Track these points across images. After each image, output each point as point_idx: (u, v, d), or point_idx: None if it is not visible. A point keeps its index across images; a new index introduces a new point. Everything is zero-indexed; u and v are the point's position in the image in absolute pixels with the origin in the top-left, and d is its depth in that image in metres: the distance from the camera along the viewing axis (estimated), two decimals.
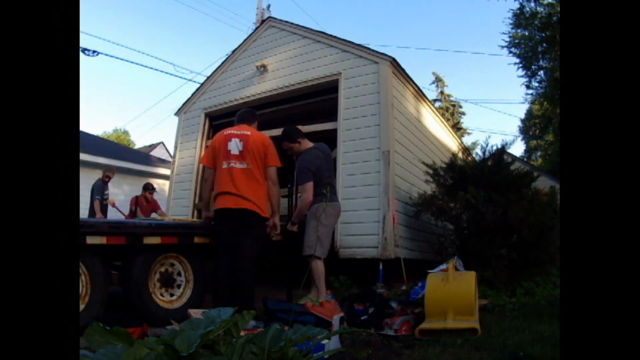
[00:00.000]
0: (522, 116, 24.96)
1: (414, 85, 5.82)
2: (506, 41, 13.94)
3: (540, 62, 13.65)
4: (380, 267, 4.44)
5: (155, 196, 7.67)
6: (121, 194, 10.86)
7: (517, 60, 13.92)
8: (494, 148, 5.03)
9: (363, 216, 4.69)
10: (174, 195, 6.78)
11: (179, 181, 6.76)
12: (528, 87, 14.85)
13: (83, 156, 9.84)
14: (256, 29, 7.05)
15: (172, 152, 8.05)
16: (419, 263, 5.04)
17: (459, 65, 60.42)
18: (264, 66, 6.13)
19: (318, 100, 5.85)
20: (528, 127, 24.05)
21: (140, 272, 3.18)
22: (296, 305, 3.01)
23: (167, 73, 67.00)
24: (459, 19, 58.01)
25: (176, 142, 7.06)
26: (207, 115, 6.76)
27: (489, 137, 49.86)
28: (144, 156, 14.40)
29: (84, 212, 6.72)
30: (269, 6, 12.39)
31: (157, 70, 52.35)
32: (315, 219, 3.60)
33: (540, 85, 14.72)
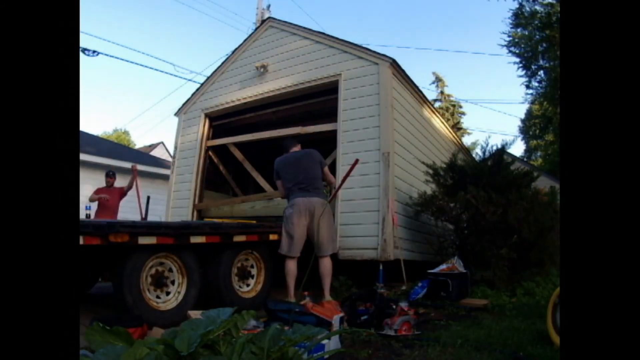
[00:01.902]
0: (522, 116, 24.97)
1: (414, 86, 5.82)
2: (506, 41, 13.96)
3: (540, 62, 13.65)
4: (380, 267, 4.44)
5: (155, 197, 7.55)
6: None
7: (517, 60, 13.92)
8: (494, 148, 5.04)
9: (362, 218, 4.69)
10: (174, 196, 6.78)
11: (179, 181, 6.76)
12: (528, 87, 14.85)
13: (83, 156, 9.84)
14: (256, 29, 7.04)
15: (172, 152, 8.04)
16: (419, 263, 5.04)
17: (459, 65, 60.54)
18: (264, 67, 6.13)
19: (318, 101, 5.85)
20: (528, 127, 24.04)
21: (226, 266, 3.71)
22: (296, 305, 3.00)
23: (167, 73, 67.22)
24: (459, 19, 58.06)
25: (176, 143, 7.06)
26: (206, 115, 6.76)
27: (489, 137, 49.99)
28: (144, 156, 14.40)
29: (84, 212, 6.71)
30: (269, 6, 12.42)
31: (157, 70, 52.40)
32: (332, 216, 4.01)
33: (540, 85, 14.72)
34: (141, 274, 3.10)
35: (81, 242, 2.69)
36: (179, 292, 3.31)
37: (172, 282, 3.33)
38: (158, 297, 3.22)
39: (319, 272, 3.92)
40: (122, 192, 6.76)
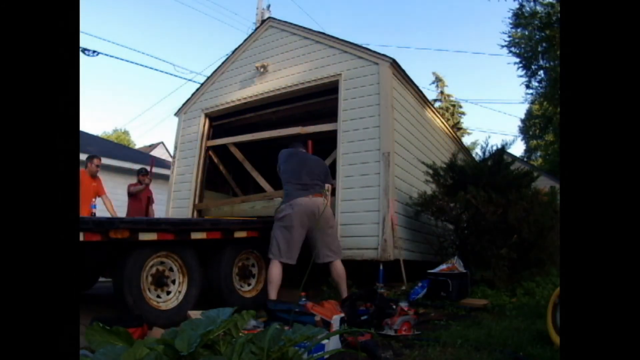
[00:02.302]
0: (522, 116, 24.99)
1: (414, 86, 5.82)
2: (506, 41, 13.96)
3: (540, 62, 13.65)
4: (381, 267, 4.44)
5: (156, 197, 7.50)
6: (121, 194, 10.84)
7: (517, 60, 13.92)
8: (494, 148, 5.05)
9: (362, 218, 4.68)
10: (174, 196, 6.78)
11: (180, 182, 6.76)
12: (528, 86, 14.84)
13: (83, 156, 9.82)
14: (256, 29, 7.05)
15: (172, 152, 8.04)
16: (419, 263, 5.03)
17: (459, 65, 60.59)
18: (264, 67, 6.13)
19: (318, 101, 5.85)
20: (528, 127, 24.06)
21: (227, 265, 3.70)
22: (296, 305, 3.00)
23: (167, 73, 67.25)
24: (459, 19, 58.08)
25: (176, 143, 7.06)
26: (206, 115, 6.76)
27: (489, 137, 50.05)
28: (144, 156, 14.40)
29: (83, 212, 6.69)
30: (269, 6, 12.43)
31: (157, 70, 52.41)
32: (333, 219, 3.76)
33: (540, 85, 14.71)
34: (142, 273, 3.08)
35: (81, 238, 2.66)
36: (179, 292, 3.30)
37: (173, 282, 3.31)
38: (159, 296, 3.21)
39: (332, 277, 3.73)
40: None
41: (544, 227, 4.36)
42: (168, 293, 3.28)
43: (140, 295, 3.02)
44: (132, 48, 68.38)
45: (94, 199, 5.84)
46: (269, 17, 7.08)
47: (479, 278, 4.28)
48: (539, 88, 14.95)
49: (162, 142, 25.98)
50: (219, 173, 7.05)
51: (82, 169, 6.27)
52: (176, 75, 30.71)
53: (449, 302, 3.80)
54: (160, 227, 3.18)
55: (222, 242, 3.66)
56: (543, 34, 12.57)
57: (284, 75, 5.95)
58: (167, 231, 3.19)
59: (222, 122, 6.84)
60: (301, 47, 5.91)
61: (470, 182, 4.51)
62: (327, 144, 5.48)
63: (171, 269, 3.33)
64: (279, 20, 6.46)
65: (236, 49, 6.74)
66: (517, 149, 43.59)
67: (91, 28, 45.21)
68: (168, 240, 3.20)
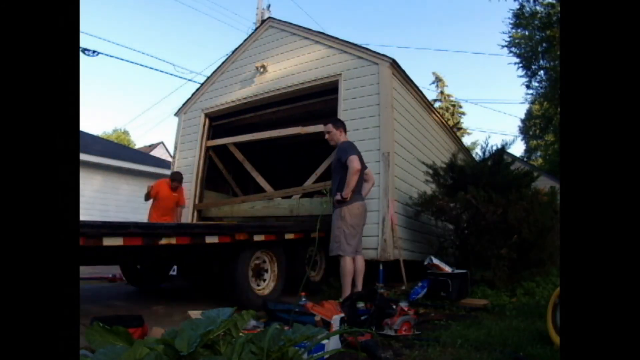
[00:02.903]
0: (522, 116, 24.99)
1: (414, 86, 5.81)
2: (506, 41, 13.99)
3: (540, 62, 13.67)
4: (380, 267, 4.43)
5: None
6: (123, 194, 10.86)
7: (517, 60, 13.94)
8: (494, 148, 5.05)
9: None
10: None
11: None
12: (528, 87, 14.87)
13: (83, 156, 9.84)
14: (256, 29, 7.05)
15: (172, 152, 8.04)
16: (419, 263, 5.03)
17: (459, 65, 60.63)
18: (263, 67, 6.13)
19: (318, 101, 5.85)
20: (528, 127, 24.04)
21: (302, 257, 4.66)
22: (296, 305, 3.00)
23: (167, 73, 67.39)
24: (459, 19, 58.10)
25: (176, 143, 7.06)
26: (206, 115, 6.76)
27: (489, 137, 50.00)
28: (144, 156, 14.40)
29: (84, 213, 6.67)
30: (269, 6, 12.45)
31: (157, 70, 52.44)
32: (341, 219, 3.96)
33: (540, 85, 14.74)
34: (248, 266, 3.80)
35: (216, 240, 3.43)
36: (272, 280, 4.07)
37: (267, 272, 4.08)
38: (258, 284, 3.97)
39: (358, 270, 4.06)
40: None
41: (544, 227, 4.36)
42: (260, 284, 4.02)
43: (247, 284, 3.75)
44: (132, 48, 68.40)
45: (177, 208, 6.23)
46: (269, 17, 7.08)
47: (479, 278, 4.28)
48: (539, 88, 14.97)
49: (162, 142, 26.02)
50: (219, 173, 7.05)
51: (165, 179, 6.33)
52: (176, 75, 30.72)
53: (449, 302, 3.80)
54: (267, 230, 4.03)
55: (301, 240, 4.43)
56: (543, 34, 12.59)
57: (284, 75, 5.95)
58: (271, 233, 4.04)
59: (222, 122, 6.84)
60: (301, 47, 5.91)
61: (470, 182, 4.51)
62: (327, 144, 5.48)
63: (265, 267, 4.11)
64: (278, 20, 6.46)
65: (236, 49, 6.75)
66: (517, 149, 43.64)
67: (91, 28, 45.26)
68: (269, 240, 4.00)
